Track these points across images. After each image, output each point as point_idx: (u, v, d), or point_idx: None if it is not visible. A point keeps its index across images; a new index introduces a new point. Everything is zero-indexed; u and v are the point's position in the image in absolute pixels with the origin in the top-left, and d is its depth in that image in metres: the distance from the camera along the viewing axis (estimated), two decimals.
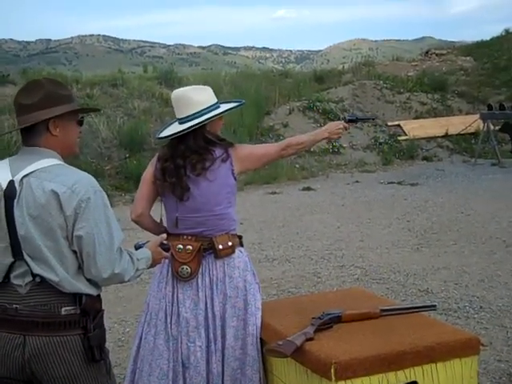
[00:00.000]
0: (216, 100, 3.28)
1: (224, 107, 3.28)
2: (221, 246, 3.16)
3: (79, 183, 2.35)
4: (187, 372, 3.13)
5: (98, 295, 2.46)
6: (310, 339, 2.87)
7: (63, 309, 2.35)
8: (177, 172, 3.15)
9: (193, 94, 3.22)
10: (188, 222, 3.18)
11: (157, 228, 3.32)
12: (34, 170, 2.36)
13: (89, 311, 2.39)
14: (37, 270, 2.32)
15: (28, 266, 2.33)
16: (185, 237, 3.18)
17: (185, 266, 3.14)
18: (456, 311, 5.65)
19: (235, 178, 3.23)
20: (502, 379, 4.33)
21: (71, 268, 2.35)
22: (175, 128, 3.22)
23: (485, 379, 4.30)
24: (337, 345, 2.81)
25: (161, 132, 3.35)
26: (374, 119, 3.72)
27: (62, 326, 2.34)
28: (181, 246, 3.16)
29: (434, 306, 3.50)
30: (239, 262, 3.21)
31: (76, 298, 2.36)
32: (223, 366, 3.13)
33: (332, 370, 2.64)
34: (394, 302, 4.14)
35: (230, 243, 3.19)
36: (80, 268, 2.37)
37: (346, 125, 3.49)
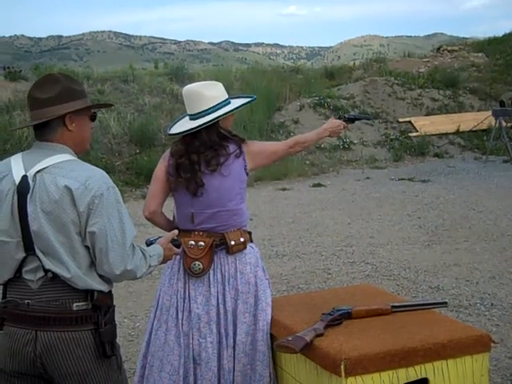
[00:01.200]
0: (227, 96, 3.28)
1: (236, 103, 3.27)
2: (233, 242, 3.16)
3: (92, 179, 2.35)
4: (198, 368, 3.13)
5: (110, 291, 2.46)
6: (320, 335, 2.86)
7: (75, 304, 2.35)
8: (191, 168, 3.15)
9: (204, 89, 3.22)
10: (201, 218, 3.18)
11: (169, 225, 3.32)
12: (48, 166, 2.36)
13: (100, 307, 2.39)
14: (49, 265, 2.32)
15: (40, 261, 2.33)
16: (196, 233, 3.18)
17: (197, 262, 3.14)
18: (467, 308, 5.63)
19: (247, 174, 3.22)
20: None
21: (83, 264, 2.35)
22: (187, 124, 3.21)
23: (496, 376, 4.29)
24: (347, 341, 2.80)
25: (171, 128, 3.34)
26: (372, 119, 3.82)
27: (73, 322, 2.34)
28: (192, 242, 3.16)
29: (445, 302, 3.49)
30: (250, 258, 3.21)
31: (88, 293, 2.37)
32: (234, 361, 3.13)
33: (342, 367, 2.64)
34: (404, 299, 4.14)
35: (242, 239, 3.19)
36: (92, 264, 2.37)
37: (345, 124, 3.54)
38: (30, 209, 2.32)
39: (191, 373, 3.13)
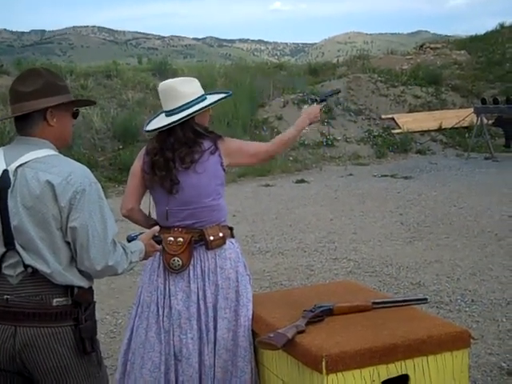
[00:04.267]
0: (203, 92, 3.27)
1: (211, 98, 3.26)
2: (212, 238, 3.16)
3: (74, 174, 2.34)
4: (179, 364, 3.13)
5: (90, 287, 2.45)
6: (302, 332, 2.87)
7: (55, 300, 2.34)
8: (166, 165, 3.14)
9: (179, 85, 3.21)
10: (178, 215, 3.17)
11: (146, 221, 3.32)
12: (29, 160, 2.34)
13: (80, 303, 2.38)
14: (29, 260, 2.31)
15: (20, 256, 2.31)
16: (175, 229, 3.18)
17: (176, 258, 3.14)
18: (448, 304, 5.67)
19: (224, 170, 3.22)
20: (493, 372, 4.35)
21: (64, 259, 2.34)
22: (162, 121, 3.20)
23: (476, 372, 4.32)
24: (328, 338, 2.81)
25: (147, 125, 3.33)
26: (339, 91, 3.81)
27: (53, 317, 2.33)
28: (171, 239, 3.16)
29: (426, 299, 3.51)
30: (230, 253, 3.21)
31: (68, 289, 2.35)
32: (215, 357, 3.14)
33: (323, 363, 2.65)
34: (386, 295, 4.16)
35: (220, 234, 3.19)
36: (73, 260, 2.36)
37: (320, 106, 3.57)
38: (10, 203, 2.31)
39: (172, 369, 3.13)
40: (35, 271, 2.31)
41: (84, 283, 2.39)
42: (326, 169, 13.62)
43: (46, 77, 2.42)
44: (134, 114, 14.08)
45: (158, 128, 3.18)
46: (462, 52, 21.64)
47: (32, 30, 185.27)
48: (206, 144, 3.16)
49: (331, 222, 8.98)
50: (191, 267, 3.15)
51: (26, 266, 2.31)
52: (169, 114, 3.18)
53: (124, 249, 2.46)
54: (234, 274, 3.20)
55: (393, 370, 2.77)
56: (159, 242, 2.74)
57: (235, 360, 3.14)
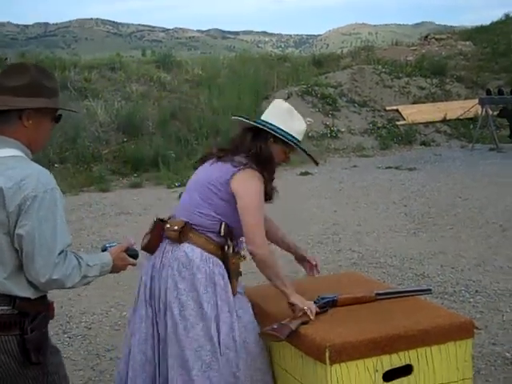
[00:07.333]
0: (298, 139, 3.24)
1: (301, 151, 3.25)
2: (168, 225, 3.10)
3: (29, 179, 2.21)
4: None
5: (41, 297, 2.32)
6: (305, 323, 2.88)
7: None
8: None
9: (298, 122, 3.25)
10: None
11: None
12: None
13: (27, 312, 2.26)
14: None
15: None
16: None
17: None
18: (452, 295, 5.68)
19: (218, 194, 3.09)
20: (497, 362, 4.37)
21: (9, 267, 2.23)
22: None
23: (480, 362, 4.34)
24: (331, 328, 2.82)
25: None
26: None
27: None
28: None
29: (430, 289, 3.52)
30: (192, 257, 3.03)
31: (11, 298, 2.24)
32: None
33: (326, 354, 2.65)
34: (390, 286, 4.16)
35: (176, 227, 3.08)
36: (21, 268, 2.24)
37: (317, 309, 3.00)
38: None
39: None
40: None
41: (30, 293, 2.26)
42: (330, 161, 13.61)
43: (34, 75, 2.31)
44: (137, 106, 14.08)
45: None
46: (467, 43, 21.57)
47: (36, 23, 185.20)
48: (237, 160, 3.05)
49: (335, 213, 8.98)
50: (157, 259, 3.12)
51: None
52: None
53: (79, 262, 2.31)
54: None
55: (396, 360, 2.78)
56: (134, 257, 2.58)
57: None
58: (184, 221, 3.03)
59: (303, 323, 2.88)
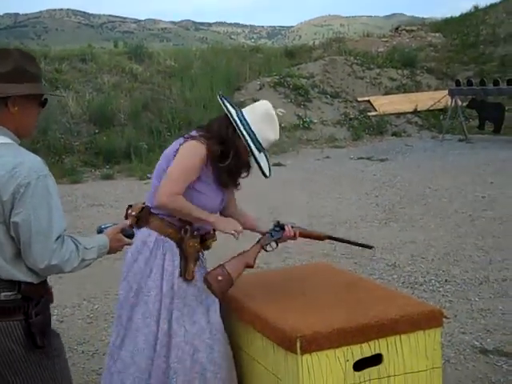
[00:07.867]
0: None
1: (263, 157, 3.27)
2: (134, 213, 3.13)
3: (21, 167, 2.20)
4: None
5: (42, 282, 2.34)
6: (250, 266, 3.06)
7: (2, 294, 2.24)
8: None
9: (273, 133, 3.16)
10: None
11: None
12: None
13: (31, 297, 2.28)
14: None
15: None
16: None
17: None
18: (422, 285, 5.74)
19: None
20: (466, 351, 4.43)
21: (8, 254, 2.24)
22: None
23: (449, 351, 4.40)
24: (302, 318, 2.84)
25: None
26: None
27: (1, 312, 2.25)
28: None
29: (372, 246, 3.72)
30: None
31: (15, 283, 2.26)
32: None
33: (297, 344, 2.67)
34: (360, 277, 4.20)
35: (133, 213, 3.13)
36: (20, 254, 2.25)
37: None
38: None
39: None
40: None
41: (32, 278, 2.28)
42: (302, 152, 13.65)
43: (17, 60, 2.29)
44: (109, 97, 13.99)
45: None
46: (437, 34, 21.75)
47: (5, 14, 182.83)
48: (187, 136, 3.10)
49: (308, 204, 9.02)
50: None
51: None
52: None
53: (77, 245, 2.31)
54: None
55: (366, 349, 2.81)
56: (130, 236, 2.59)
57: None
58: (143, 206, 3.06)
59: (248, 267, 3.07)
